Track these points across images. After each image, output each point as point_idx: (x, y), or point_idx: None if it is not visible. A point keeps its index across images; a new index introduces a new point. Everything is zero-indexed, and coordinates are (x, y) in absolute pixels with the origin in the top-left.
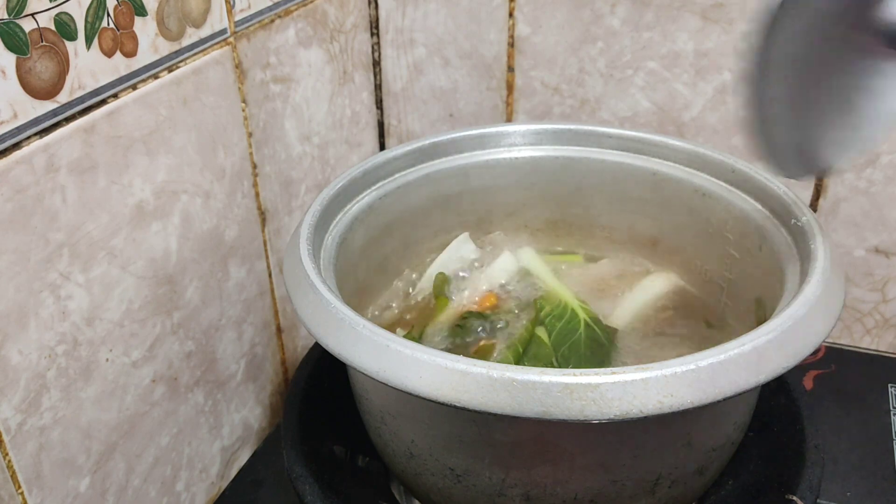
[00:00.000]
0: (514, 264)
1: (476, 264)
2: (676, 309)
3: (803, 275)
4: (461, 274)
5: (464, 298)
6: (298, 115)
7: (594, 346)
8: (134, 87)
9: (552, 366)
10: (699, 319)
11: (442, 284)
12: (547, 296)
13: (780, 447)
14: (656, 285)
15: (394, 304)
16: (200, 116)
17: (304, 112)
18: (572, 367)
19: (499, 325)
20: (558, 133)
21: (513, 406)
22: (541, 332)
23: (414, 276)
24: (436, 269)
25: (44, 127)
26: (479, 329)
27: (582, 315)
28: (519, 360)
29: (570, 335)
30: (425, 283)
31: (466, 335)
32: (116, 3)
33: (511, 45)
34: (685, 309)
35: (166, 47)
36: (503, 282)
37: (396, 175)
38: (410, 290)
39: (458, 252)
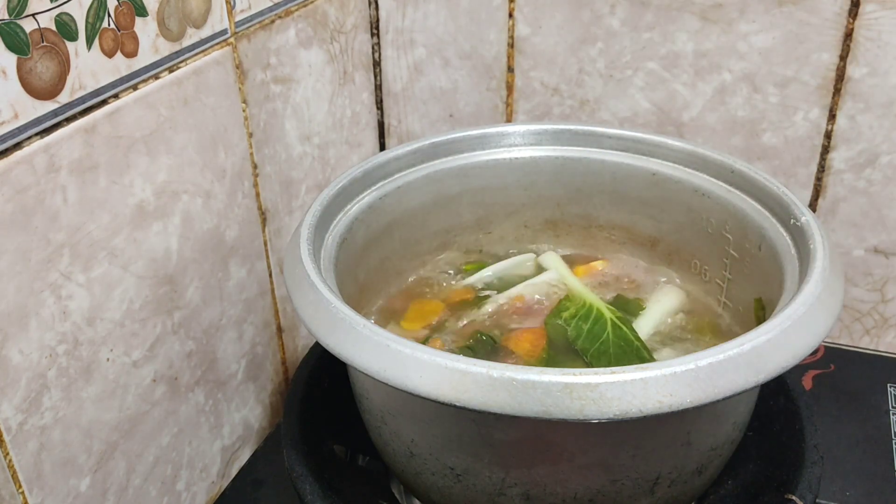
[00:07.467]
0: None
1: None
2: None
3: (802, 275)
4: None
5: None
6: (299, 115)
7: (624, 345)
8: (135, 88)
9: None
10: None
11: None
12: (571, 297)
13: (780, 447)
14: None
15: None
16: (201, 117)
17: (305, 112)
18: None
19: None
20: (558, 133)
21: (513, 406)
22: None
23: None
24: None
25: (45, 127)
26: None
27: (608, 315)
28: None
29: (599, 335)
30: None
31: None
32: (117, 3)
33: (511, 45)
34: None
35: (167, 48)
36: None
37: (396, 175)
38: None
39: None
